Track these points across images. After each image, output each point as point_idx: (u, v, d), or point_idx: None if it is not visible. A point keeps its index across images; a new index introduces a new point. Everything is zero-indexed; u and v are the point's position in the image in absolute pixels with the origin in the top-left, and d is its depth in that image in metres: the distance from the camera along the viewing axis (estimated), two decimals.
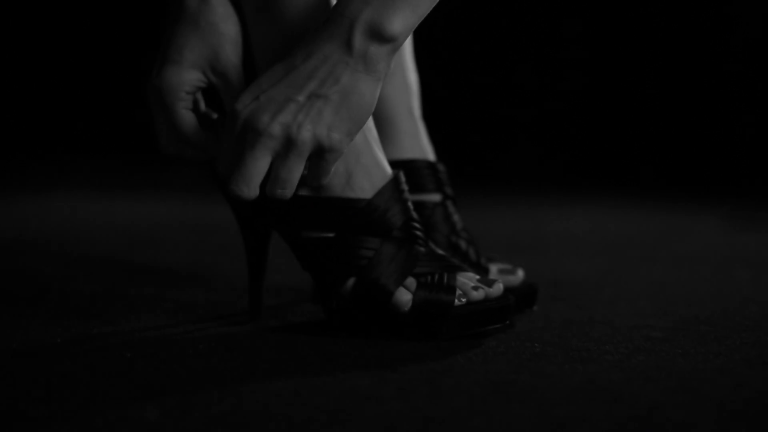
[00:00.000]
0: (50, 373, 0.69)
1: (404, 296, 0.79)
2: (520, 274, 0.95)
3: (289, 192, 0.78)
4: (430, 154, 0.98)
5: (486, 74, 2.75)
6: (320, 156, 0.78)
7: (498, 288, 0.82)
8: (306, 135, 0.76)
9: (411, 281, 0.80)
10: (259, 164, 0.77)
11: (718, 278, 1.22)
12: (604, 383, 0.69)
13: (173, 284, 1.06)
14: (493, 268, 0.94)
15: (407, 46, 0.99)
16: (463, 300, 0.80)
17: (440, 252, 0.83)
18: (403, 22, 0.75)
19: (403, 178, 0.83)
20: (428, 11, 0.77)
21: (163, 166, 2.63)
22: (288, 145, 0.76)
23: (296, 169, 0.77)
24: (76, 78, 2.84)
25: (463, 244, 0.94)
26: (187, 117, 0.82)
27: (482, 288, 0.81)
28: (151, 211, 1.89)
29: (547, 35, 2.74)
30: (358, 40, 0.75)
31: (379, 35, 0.75)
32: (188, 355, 0.74)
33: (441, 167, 0.97)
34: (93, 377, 0.68)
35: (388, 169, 0.83)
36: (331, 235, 0.81)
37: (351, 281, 0.80)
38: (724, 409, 0.64)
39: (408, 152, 0.96)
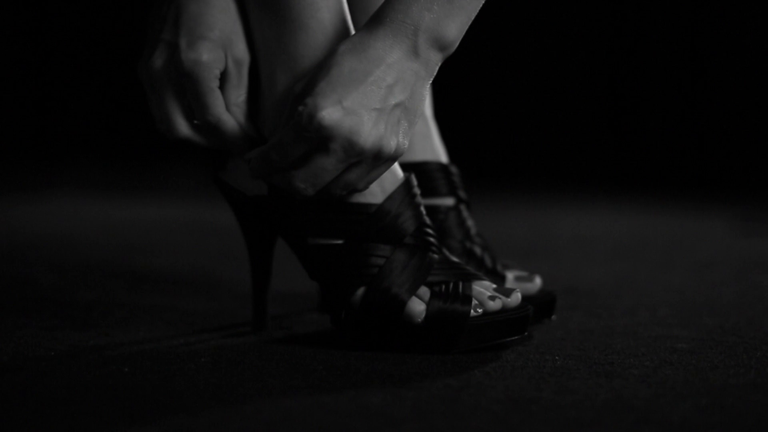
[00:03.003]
0: (42, 389, 0.66)
1: (417, 307, 0.76)
2: (538, 281, 0.91)
3: (345, 193, 0.76)
4: (442, 156, 0.94)
5: (492, 74, 2.73)
6: (385, 161, 0.75)
7: (516, 298, 0.78)
8: (393, 145, 0.74)
9: (424, 291, 0.76)
10: (335, 172, 0.74)
11: (738, 284, 1.19)
12: (631, 400, 0.65)
13: (173, 291, 1.04)
14: (510, 276, 0.90)
15: None
16: (480, 310, 0.76)
17: (454, 259, 0.79)
18: (459, 27, 0.75)
19: (414, 181, 0.80)
20: (476, 14, 0.76)
21: (163, 167, 2.61)
22: (372, 155, 0.73)
23: (364, 176, 0.75)
24: (74, 77, 2.82)
25: (478, 251, 0.90)
26: (219, 96, 0.78)
27: (499, 298, 0.77)
28: (151, 213, 1.86)
29: (555, 35, 2.71)
30: (423, 47, 0.74)
31: (439, 43, 0.74)
32: (189, 370, 0.71)
33: (454, 169, 0.93)
34: (88, 394, 0.65)
35: (400, 172, 0.79)
36: (339, 242, 0.77)
37: (361, 291, 0.76)
38: (762, 429, 0.61)
39: (419, 154, 0.92)
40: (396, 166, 0.79)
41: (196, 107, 0.78)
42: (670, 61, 2.67)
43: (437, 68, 0.75)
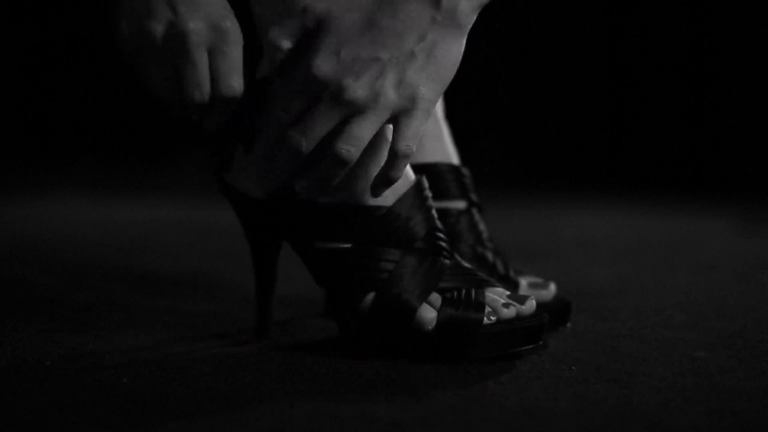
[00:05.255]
0: (40, 393, 0.65)
1: (428, 314, 0.73)
2: (552, 288, 0.88)
3: (355, 153, 0.72)
4: (454, 158, 0.91)
5: (495, 75, 2.72)
6: (408, 116, 0.72)
7: (531, 305, 0.75)
8: (390, 95, 0.71)
9: (435, 297, 0.74)
10: (330, 124, 0.72)
11: (743, 286, 1.18)
12: (645, 408, 0.64)
13: (173, 293, 1.02)
14: (523, 282, 0.88)
15: None
16: (493, 318, 0.73)
17: (466, 265, 0.77)
18: None
19: (425, 183, 0.77)
20: None
21: (163, 167, 2.60)
22: (369, 104, 0.71)
23: (371, 130, 0.72)
24: (74, 77, 2.81)
25: (489, 256, 0.87)
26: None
27: (513, 305, 0.74)
28: (151, 213, 1.85)
29: (558, 36, 2.71)
30: None
31: None
32: (190, 376, 0.69)
33: (465, 172, 0.91)
34: (87, 398, 0.63)
35: (411, 174, 0.77)
36: (347, 246, 0.75)
37: (370, 297, 0.74)
38: None
39: (430, 155, 0.90)
40: (407, 168, 0.77)
41: (225, 74, 0.74)
42: (673, 62, 2.67)
43: (470, 17, 0.72)
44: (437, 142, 0.90)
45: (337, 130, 0.72)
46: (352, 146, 0.72)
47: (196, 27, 0.73)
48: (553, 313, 0.85)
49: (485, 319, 0.73)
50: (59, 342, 0.79)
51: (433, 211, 0.77)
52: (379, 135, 0.73)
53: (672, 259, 1.39)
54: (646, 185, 2.53)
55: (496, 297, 0.75)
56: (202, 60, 0.74)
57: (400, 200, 0.75)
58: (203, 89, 0.74)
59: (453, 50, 0.72)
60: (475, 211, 0.90)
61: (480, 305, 0.73)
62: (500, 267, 0.87)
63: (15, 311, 0.92)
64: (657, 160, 2.66)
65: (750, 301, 1.07)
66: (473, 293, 0.74)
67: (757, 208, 2.09)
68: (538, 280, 0.89)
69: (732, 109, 2.62)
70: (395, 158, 0.73)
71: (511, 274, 0.88)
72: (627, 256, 1.42)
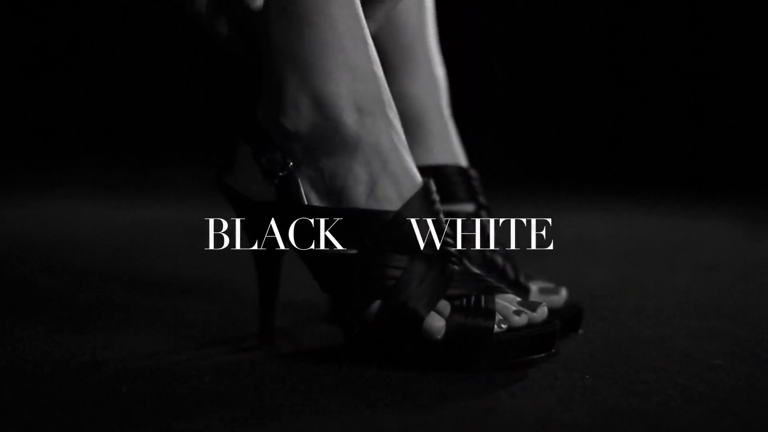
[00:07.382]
0: (40, 393, 0.65)
1: (437, 322, 0.71)
2: (564, 293, 0.86)
3: None
4: (461, 159, 0.89)
5: (493, 73, 2.72)
6: None
7: (542, 312, 0.73)
8: None
9: (444, 305, 0.72)
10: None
11: (743, 286, 1.18)
12: (645, 408, 0.64)
13: (174, 293, 1.02)
14: (534, 288, 0.86)
15: (432, 38, 0.91)
16: (504, 326, 0.71)
17: (475, 270, 0.75)
18: None
19: (433, 187, 0.75)
20: None
21: (163, 167, 2.60)
22: None
23: None
24: (74, 77, 2.81)
25: (499, 260, 0.85)
26: None
27: (525, 312, 0.72)
28: (151, 213, 1.84)
29: (557, 36, 2.71)
30: None
31: None
32: (190, 377, 0.69)
33: (474, 173, 0.89)
34: (87, 398, 0.64)
35: (418, 177, 0.74)
36: (353, 252, 0.73)
37: (376, 304, 0.72)
38: None
39: (438, 157, 0.88)
40: (414, 170, 0.75)
41: None
42: (673, 62, 2.66)
43: None
44: (444, 143, 0.88)
45: None
46: None
47: None
48: (565, 319, 0.82)
49: (496, 326, 0.71)
50: (59, 342, 0.79)
51: (442, 215, 0.75)
52: None
53: (672, 259, 1.39)
54: (646, 185, 2.52)
55: (506, 304, 0.73)
56: None
57: (408, 204, 0.73)
58: None
59: None
60: (483, 214, 0.88)
61: (490, 313, 0.71)
62: (510, 272, 0.85)
63: (15, 311, 0.92)
64: (657, 160, 2.66)
65: (750, 301, 1.07)
66: (483, 300, 0.72)
67: (758, 208, 2.09)
68: (549, 285, 0.87)
69: (732, 109, 2.62)
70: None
71: (522, 279, 0.86)
72: (627, 256, 1.42)
